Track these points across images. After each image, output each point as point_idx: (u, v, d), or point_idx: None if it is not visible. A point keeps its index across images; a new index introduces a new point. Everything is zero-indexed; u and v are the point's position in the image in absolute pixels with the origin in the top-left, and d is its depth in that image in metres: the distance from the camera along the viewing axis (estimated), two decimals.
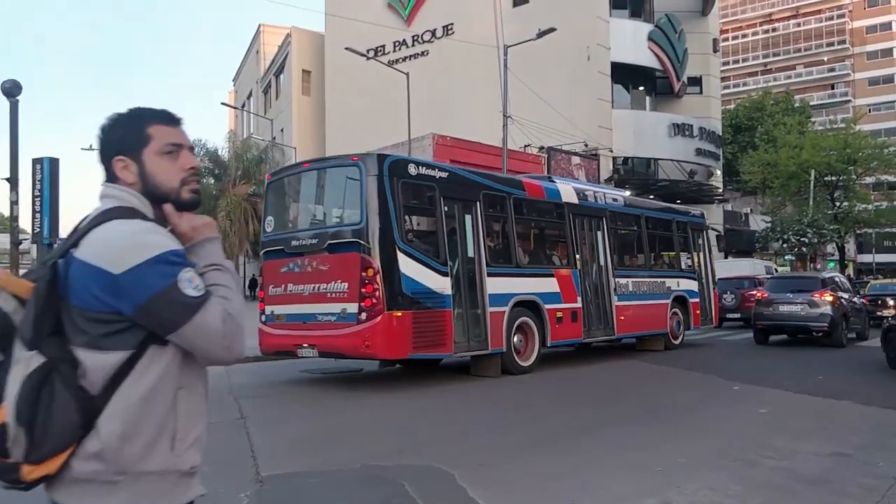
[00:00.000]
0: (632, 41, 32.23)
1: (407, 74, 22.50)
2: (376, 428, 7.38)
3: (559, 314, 11.51)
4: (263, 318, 10.16)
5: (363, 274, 8.86)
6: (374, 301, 8.80)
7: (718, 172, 37.72)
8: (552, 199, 12.23)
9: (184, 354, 1.60)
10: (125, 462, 1.53)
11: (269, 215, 10.53)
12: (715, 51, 39.09)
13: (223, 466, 5.73)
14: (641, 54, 32.73)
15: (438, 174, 10.06)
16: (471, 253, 10.28)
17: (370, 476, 5.38)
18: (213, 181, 40.66)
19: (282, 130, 41.19)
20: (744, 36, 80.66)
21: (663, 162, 33.24)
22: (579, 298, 11.98)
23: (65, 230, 13.95)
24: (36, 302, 1.51)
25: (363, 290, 8.85)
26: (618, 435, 6.88)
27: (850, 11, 76.66)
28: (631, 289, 13.41)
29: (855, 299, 16.71)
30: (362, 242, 8.95)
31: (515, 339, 10.70)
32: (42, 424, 1.46)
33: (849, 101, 73.95)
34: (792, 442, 6.43)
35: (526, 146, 24.29)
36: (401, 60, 31.00)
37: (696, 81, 37.41)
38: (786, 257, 38.58)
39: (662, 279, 14.50)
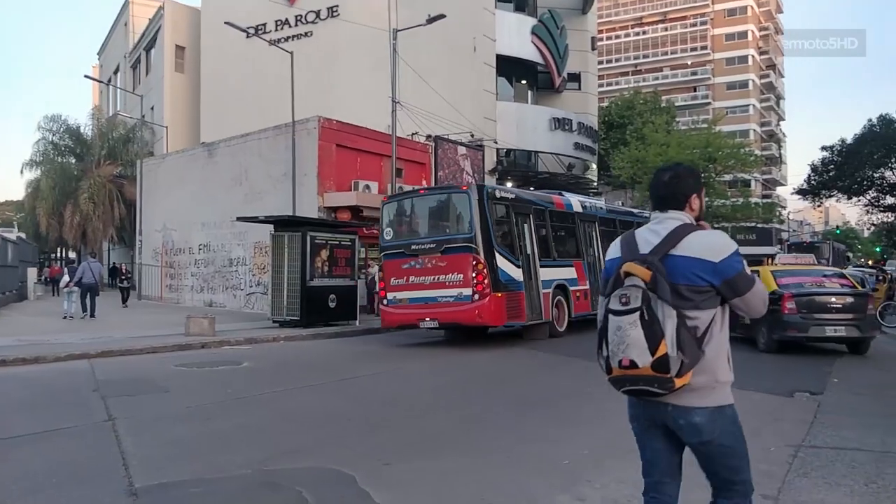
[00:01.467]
0: (516, 34, 32.72)
1: (291, 53, 21.56)
2: (269, 426, 6.86)
3: (577, 294, 15.66)
4: (385, 301, 13.89)
5: (475, 268, 12.82)
6: (484, 286, 12.75)
7: (594, 166, 39.17)
8: (569, 210, 16.53)
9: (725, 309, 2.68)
10: (717, 374, 2.60)
11: (387, 227, 14.28)
12: (593, 49, 40.51)
13: (89, 477, 5.07)
14: (525, 48, 33.30)
15: (510, 196, 14.41)
16: (528, 251, 14.24)
17: (261, 483, 4.91)
18: (74, 161, 37.54)
19: (152, 108, 38.59)
20: (617, 37, 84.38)
21: (544, 155, 34.07)
22: (587, 281, 16.13)
23: None
24: (660, 280, 2.53)
25: (475, 279, 12.80)
26: (518, 426, 6.76)
27: (711, 19, 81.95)
28: None
29: None
30: (473, 246, 12.92)
31: (555, 311, 14.61)
32: (684, 352, 2.48)
33: (709, 103, 79.14)
34: None
35: (413, 134, 24.02)
36: (283, 40, 29.75)
37: (575, 78, 38.61)
38: None
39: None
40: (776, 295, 11.95)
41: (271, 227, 17.80)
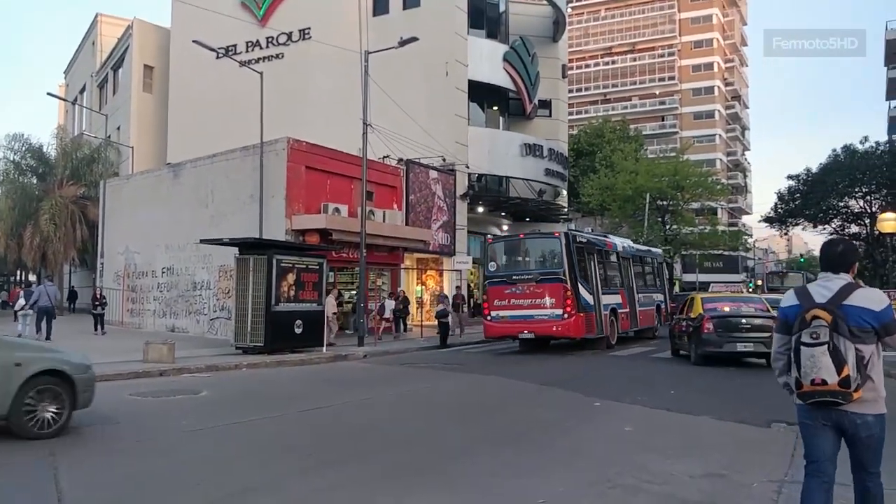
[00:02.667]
0: (488, 60, 32.79)
1: (261, 74, 21.24)
2: (225, 461, 6.42)
3: (622, 315, 19.64)
4: (490, 318, 18.04)
5: (565, 294, 16.85)
6: (571, 308, 16.81)
7: (564, 192, 39.28)
8: (615, 250, 20.82)
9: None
10: (879, 391, 3.63)
11: (491, 261, 18.73)
12: (563, 76, 40.81)
13: None
14: (497, 74, 33.39)
15: (584, 240, 18.74)
16: (595, 282, 18.14)
17: None
18: (35, 181, 36.50)
19: (118, 128, 37.85)
20: (587, 66, 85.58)
21: (515, 180, 34.03)
22: (629, 306, 20.29)
23: None
24: (840, 322, 3.57)
25: (566, 302, 16.81)
26: (490, 461, 6.42)
27: (679, 50, 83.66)
28: (643, 300, 21.79)
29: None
30: (563, 278, 16.98)
31: (609, 328, 18.42)
32: (860, 374, 3.51)
33: (676, 132, 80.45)
34: (664, 463, 6.28)
35: (385, 157, 23.75)
36: (254, 62, 29.43)
37: (545, 104, 38.79)
38: None
39: (651, 294, 23.16)
40: (700, 318, 14.71)
41: (236, 249, 17.35)
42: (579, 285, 17.08)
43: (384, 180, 24.18)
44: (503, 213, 34.98)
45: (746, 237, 60.42)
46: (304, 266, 17.26)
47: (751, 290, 57.44)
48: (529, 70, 34.93)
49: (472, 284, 32.43)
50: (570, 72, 44.21)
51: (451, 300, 22.24)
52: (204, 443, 7.26)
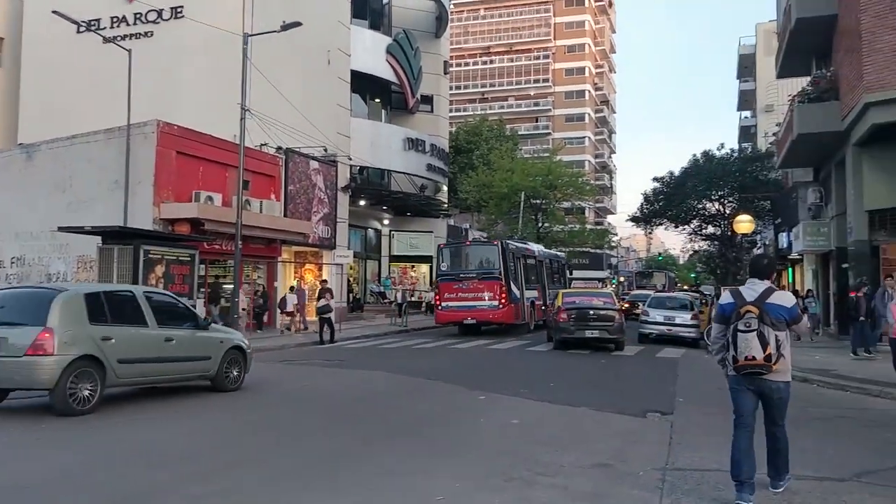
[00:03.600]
0: (371, 52, 32.48)
1: (129, 52, 19.81)
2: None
3: (538, 306, 24.53)
4: (440, 307, 22.03)
5: (500, 290, 21.22)
6: (505, 301, 21.15)
7: (445, 188, 39.67)
8: (533, 254, 25.70)
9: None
10: (789, 364, 5.09)
11: (444, 261, 22.75)
12: (445, 73, 41.18)
13: None
14: (380, 66, 33.14)
15: (513, 246, 23.28)
16: (521, 280, 22.82)
17: None
18: None
19: None
20: (466, 64, 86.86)
21: (397, 174, 33.96)
22: (542, 299, 25.05)
23: None
24: (765, 315, 4.92)
25: (500, 296, 21.16)
26: (382, 460, 6.29)
27: (553, 54, 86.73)
28: (552, 295, 24.30)
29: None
30: (499, 277, 21.41)
31: (529, 317, 23.35)
32: (777, 352, 4.89)
33: (549, 133, 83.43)
34: (554, 455, 6.41)
35: (262, 145, 22.87)
36: (121, 38, 27.41)
37: (427, 100, 39.01)
38: None
39: (558, 289, 24.75)
40: (557, 309, 17.71)
41: (99, 239, 16.12)
42: (511, 283, 21.69)
43: (262, 169, 23.33)
44: (384, 207, 34.82)
45: (612, 236, 63.76)
46: (175, 258, 16.36)
47: (613, 286, 60.92)
48: (412, 64, 34.95)
49: (351, 279, 32.02)
50: (450, 69, 44.60)
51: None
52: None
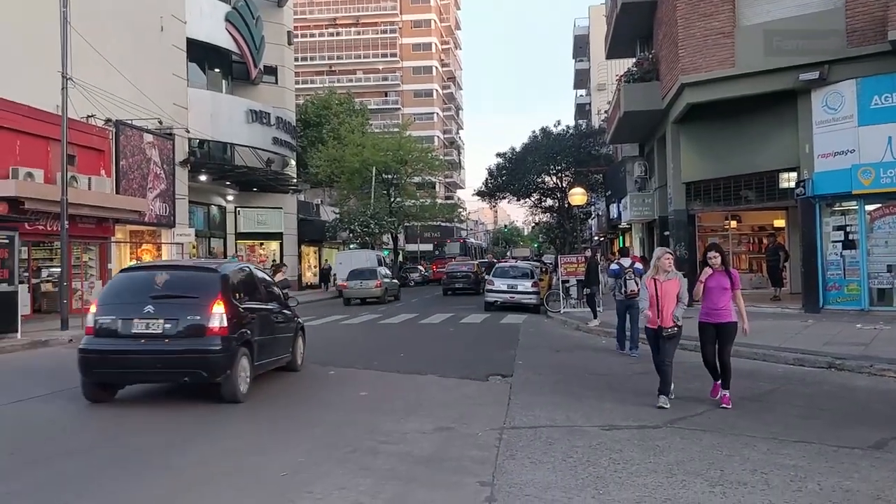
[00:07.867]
0: (209, 19, 30.83)
1: None
2: None
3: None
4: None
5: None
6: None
7: (293, 163, 38.75)
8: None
9: None
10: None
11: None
12: (290, 43, 40.00)
13: None
14: (219, 34, 31.56)
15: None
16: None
17: None
18: None
19: None
20: (311, 35, 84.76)
21: (241, 148, 32.70)
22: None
23: None
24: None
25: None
26: (227, 441, 6.21)
27: (400, 28, 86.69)
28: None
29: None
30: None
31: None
32: (637, 287, 11.32)
33: (399, 108, 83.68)
34: (398, 423, 6.63)
35: (89, 117, 21.12)
36: None
37: (271, 71, 37.73)
38: (351, 246, 41.69)
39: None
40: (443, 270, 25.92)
41: None
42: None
43: (90, 143, 21.60)
44: (228, 183, 33.45)
45: (461, 210, 65.46)
46: None
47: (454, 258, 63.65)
48: (254, 33, 33.63)
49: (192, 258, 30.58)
50: (294, 40, 43.31)
51: None
52: None
